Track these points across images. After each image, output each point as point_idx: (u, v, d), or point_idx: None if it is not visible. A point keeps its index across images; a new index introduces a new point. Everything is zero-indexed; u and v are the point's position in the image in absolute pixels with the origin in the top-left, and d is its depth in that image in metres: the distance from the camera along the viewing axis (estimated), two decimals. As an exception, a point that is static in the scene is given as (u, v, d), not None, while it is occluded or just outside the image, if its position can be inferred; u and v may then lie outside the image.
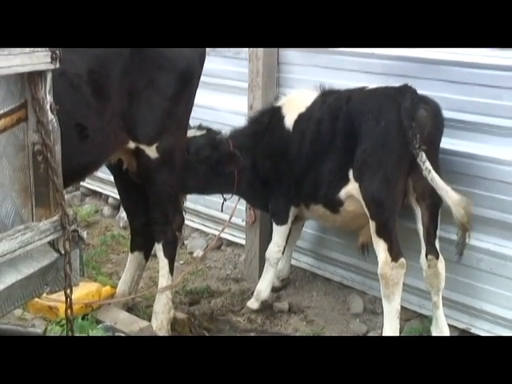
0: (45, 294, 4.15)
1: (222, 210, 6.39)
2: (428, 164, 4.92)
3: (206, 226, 7.49)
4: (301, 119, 5.75)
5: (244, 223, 6.86)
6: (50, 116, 3.46)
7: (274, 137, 5.91)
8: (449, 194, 4.94)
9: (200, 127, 6.10)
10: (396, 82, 5.34)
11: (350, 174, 5.29)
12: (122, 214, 7.59)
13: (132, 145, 5.27)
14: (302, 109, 5.76)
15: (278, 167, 5.87)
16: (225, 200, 6.24)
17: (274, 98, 6.26)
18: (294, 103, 5.88)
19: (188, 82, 5.39)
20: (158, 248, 5.64)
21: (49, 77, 3.46)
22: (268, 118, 6.01)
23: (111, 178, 6.19)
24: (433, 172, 4.92)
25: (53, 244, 3.50)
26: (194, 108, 5.62)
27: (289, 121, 5.82)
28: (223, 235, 6.96)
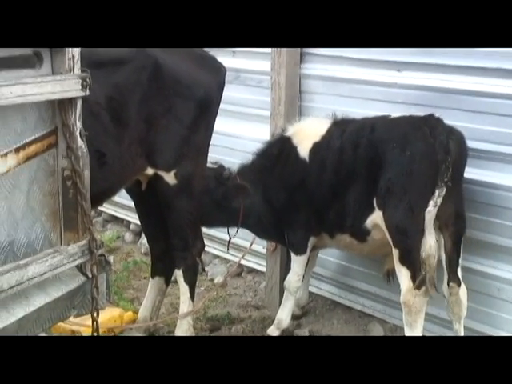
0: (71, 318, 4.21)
1: (228, 249, 6.42)
2: (439, 200, 4.98)
3: (226, 252, 7.50)
4: (317, 148, 5.73)
5: (265, 250, 6.87)
6: (80, 142, 3.54)
7: (287, 167, 5.89)
8: (428, 238, 5.03)
9: (215, 164, 6.12)
10: (418, 112, 5.36)
11: (375, 202, 5.30)
12: (144, 240, 7.62)
13: (150, 171, 5.31)
14: (317, 138, 5.74)
15: (294, 198, 5.84)
16: (230, 238, 6.22)
17: (281, 129, 6.26)
18: (306, 133, 5.85)
19: (206, 109, 5.43)
20: (179, 274, 5.67)
21: (79, 103, 3.54)
22: (277, 150, 5.99)
23: (133, 204, 6.24)
24: (435, 209, 4.99)
25: (80, 268, 3.56)
26: (217, 136, 5.67)
27: (303, 150, 5.79)
28: (244, 262, 6.98)
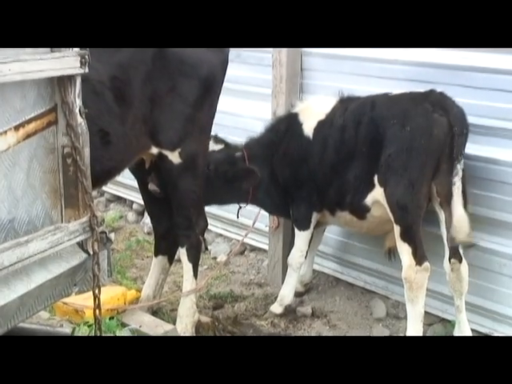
0: (71, 299, 4.22)
1: (237, 217, 6.40)
2: (461, 173, 5.05)
3: (229, 231, 7.54)
4: (321, 126, 5.77)
5: (267, 228, 6.90)
6: (79, 119, 3.51)
7: (292, 144, 5.94)
8: (459, 208, 5.05)
9: (216, 139, 6.13)
10: (419, 88, 5.37)
11: (375, 179, 5.32)
12: (147, 219, 7.65)
13: (155, 150, 5.31)
14: (322, 116, 5.78)
15: (298, 174, 5.90)
16: (240, 207, 6.28)
17: (290, 105, 6.28)
18: (312, 110, 5.90)
19: (210, 87, 5.43)
20: (182, 252, 5.67)
21: (78, 81, 3.52)
22: (285, 126, 6.04)
23: (135, 184, 6.25)
24: (459, 183, 5.05)
25: (81, 245, 3.56)
26: (218, 114, 5.66)
27: (308, 128, 5.84)
28: (246, 240, 7.00)
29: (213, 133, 5.83)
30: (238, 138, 6.39)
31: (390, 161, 5.19)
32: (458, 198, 5.06)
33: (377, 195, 5.35)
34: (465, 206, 5.20)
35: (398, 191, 5.17)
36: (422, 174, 5.10)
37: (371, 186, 5.38)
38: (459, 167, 5.06)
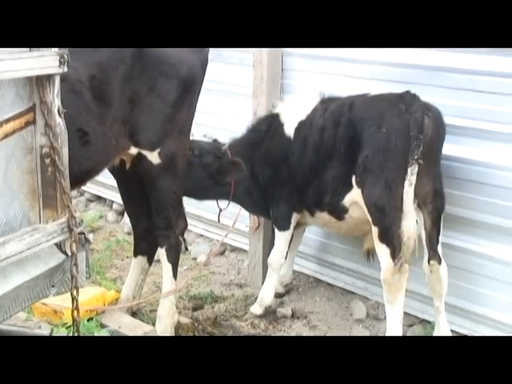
0: (50, 300, 4.18)
1: (218, 221, 6.39)
2: (413, 178, 5.00)
3: (209, 231, 7.52)
4: (302, 127, 5.76)
5: (247, 229, 6.89)
6: (58, 119, 3.49)
7: (273, 144, 5.94)
8: (408, 217, 5.04)
9: (205, 136, 6.16)
10: (399, 89, 5.36)
11: (353, 180, 5.32)
12: (127, 219, 7.60)
13: (134, 150, 5.28)
14: (302, 116, 5.78)
15: (278, 174, 5.90)
16: (221, 210, 6.26)
17: (272, 105, 6.26)
18: (293, 110, 5.90)
19: (190, 87, 5.40)
20: (162, 253, 5.65)
21: (57, 80, 3.50)
22: (266, 126, 6.04)
23: (115, 184, 6.22)
24: (411, 188, 5.01)
25: (60, 246, 3.53)
26: (198, 114, 5.64)
27: (289, 128, 5.84)
28: (227, 241, 6.99)
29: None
30: (218, 138, 6.37)
31: (367, 162, 5.19)
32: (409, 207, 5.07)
33: (354, 196, 5.35)
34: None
35: (376, 192, 5.17)
36: (398, 175, 5.09)
37: (349, 187, 5.38)
38: (409, 171, 5.01)
